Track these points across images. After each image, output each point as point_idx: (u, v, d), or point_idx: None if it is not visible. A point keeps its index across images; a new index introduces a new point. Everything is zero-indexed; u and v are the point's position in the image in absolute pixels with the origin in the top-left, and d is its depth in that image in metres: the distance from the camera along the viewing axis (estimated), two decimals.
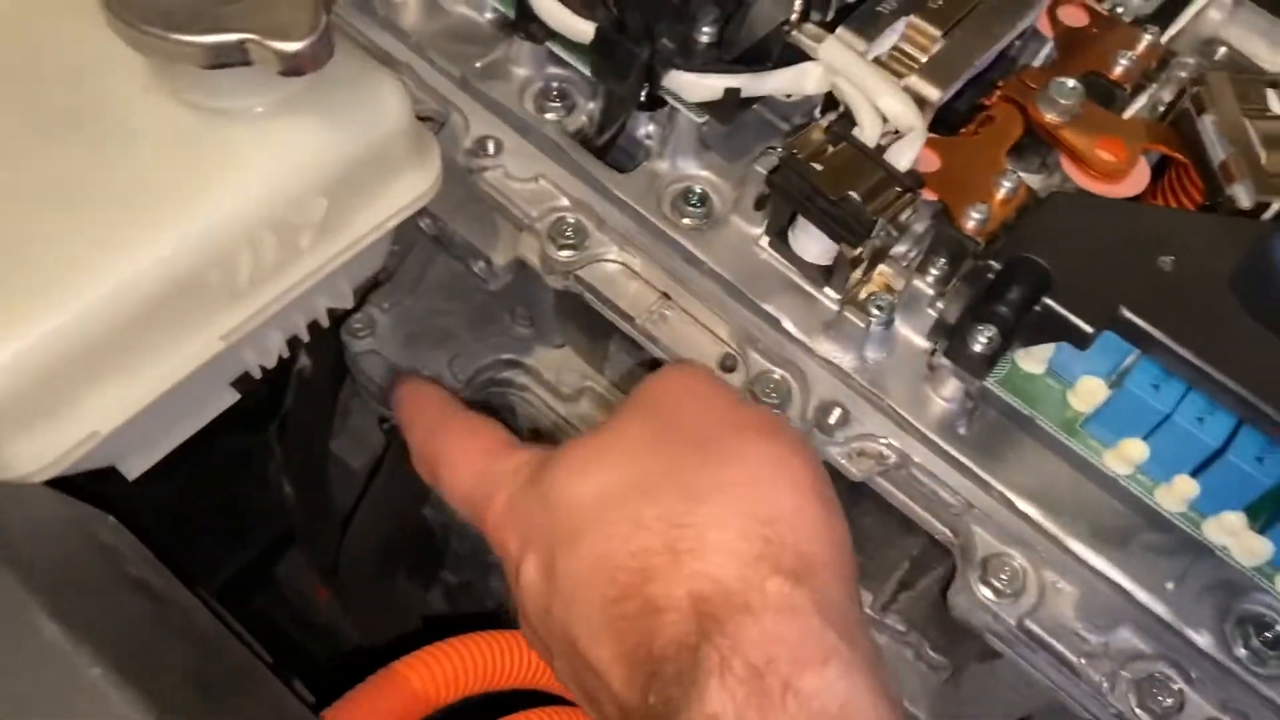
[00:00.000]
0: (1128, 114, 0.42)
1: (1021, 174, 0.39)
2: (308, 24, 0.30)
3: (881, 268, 0.39)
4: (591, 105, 0.43)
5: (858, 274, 0.39)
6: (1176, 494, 0.34)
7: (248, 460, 0.84)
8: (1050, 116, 0.40)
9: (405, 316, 0.55)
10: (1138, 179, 0.39)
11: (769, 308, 0.40)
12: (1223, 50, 0.45)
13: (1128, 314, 0.33)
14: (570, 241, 0.40)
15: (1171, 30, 0.46)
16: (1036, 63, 0.43)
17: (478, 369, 0.54)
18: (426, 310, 0.55)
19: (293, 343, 0.41)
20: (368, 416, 0.68)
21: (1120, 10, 0.46)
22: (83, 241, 0.31)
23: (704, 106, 0.38)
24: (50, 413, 0.31)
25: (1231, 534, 0.34)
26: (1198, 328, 0.32)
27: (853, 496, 0.40)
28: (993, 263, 0.34)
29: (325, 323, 0.41)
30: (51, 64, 0.35)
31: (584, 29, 0.37)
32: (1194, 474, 0.34)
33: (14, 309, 0.30)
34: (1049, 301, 0.33)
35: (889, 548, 0.45)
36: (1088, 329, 0.33)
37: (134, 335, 0.32)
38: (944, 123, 0.41)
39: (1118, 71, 0.42)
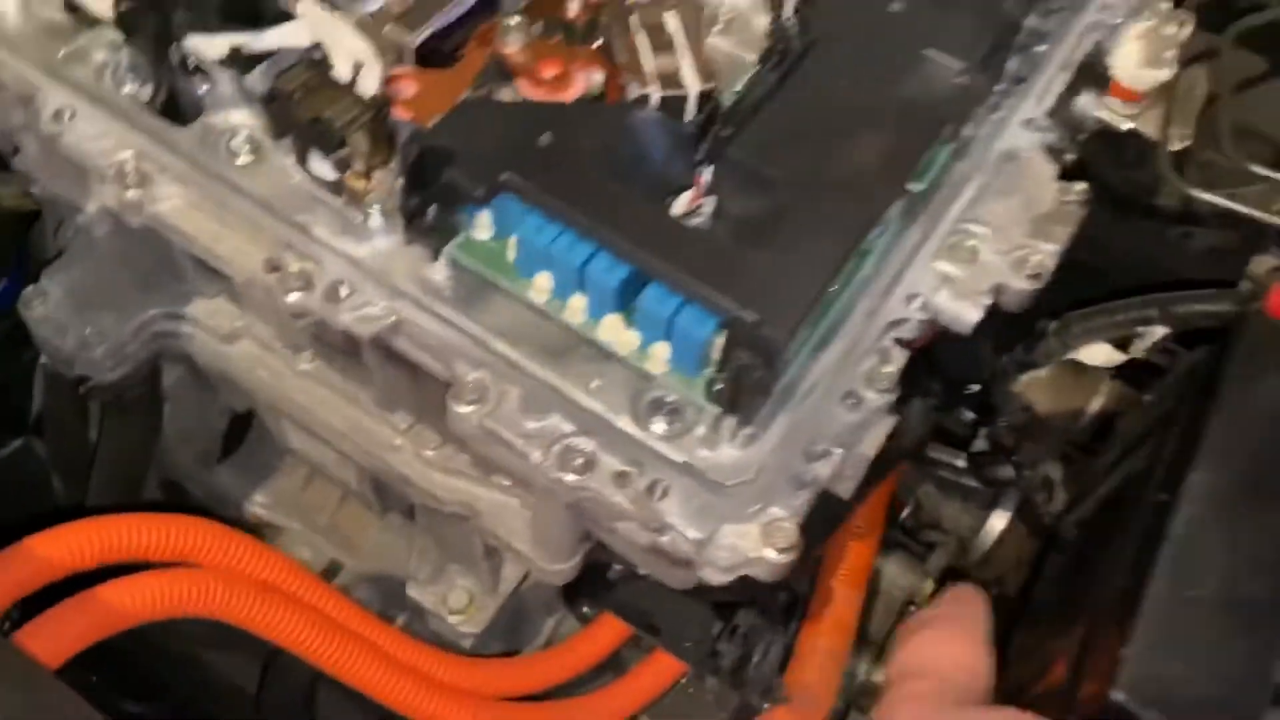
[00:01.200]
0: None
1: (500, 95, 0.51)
2: None
3: (378, 174, 0.50)
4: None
5: (359, 183, 0.49)
6: (574, 309, 0.45)
7: (15, 468, 0.91)
8: (507, 49, 0.51)
9: (75, 286, 0.64)
10: (575, 89, 0.51)
11: (299, 218, 0.50)
12: None
13: (507, 176, 0.44)
14: (134, 183, 0.50)
15: None
16: (510, 8, 0.55)
17: (141, 321, 0.64)
18: (96, 279, 0.65)
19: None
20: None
21: None
22: None
23: None
24: None
25: (613, 331, 0.45)
26: (561, 183, 0.44)
27: (387, 357, 0.51)
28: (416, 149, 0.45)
29: None
30: None
31: (103, 6, 0.48)
32: (582, 291, 0.45)
33: None
34: (450, 173, 0.44)
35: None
36: (478, 191, 0.44)
37: None
38: (435, 61, 0.52)
39: (571, 12, 0.54)
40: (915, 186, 0.51)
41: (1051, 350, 0.78)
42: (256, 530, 0.81)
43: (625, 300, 0.45)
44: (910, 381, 0.50)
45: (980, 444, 0.87)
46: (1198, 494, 0.45)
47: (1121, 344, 0.78)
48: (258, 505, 0.82)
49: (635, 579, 0.65)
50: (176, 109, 0.53)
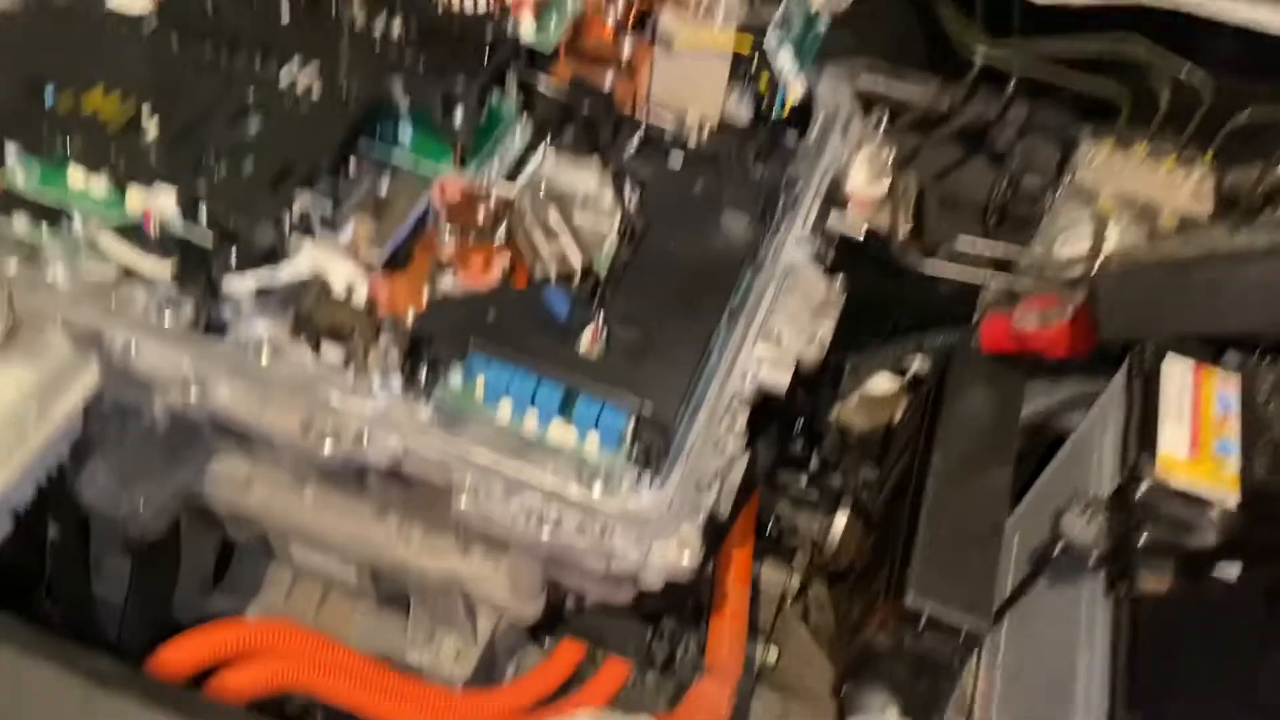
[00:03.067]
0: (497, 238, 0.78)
1: (441, 286, 0.74)
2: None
3: (373, 353, 0.72)
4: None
5: (362, 360, 0.71)
6: (529, 422, 0.69)
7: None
8: (444, 251, 0.75)
9: (117, 466, 0.83)
10: (495, 274, 0.74)
11: (319, 391, 0.72)
12: (544, 185, 0.82)
13: (475, 341, 0.67)
14: (197, 388, 0.71)
15: (519, 182, 0.82)
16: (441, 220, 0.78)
17: (177, 485, 0.83)
18: (132, 458, 0.83)
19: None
20: (115, 557, 0.94)
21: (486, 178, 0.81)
22: None
23: None
24: None
25: (559, 432, 0.68)
26: (508, 341, 0.67)
27: (388, 477, 0.73)
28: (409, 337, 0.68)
29: None
30: None
31: (162, 272, 0.69)
32: (533, 406, 0.68)
33: None
34: (435, 348, 0.67)
35: None
36: (455, 357, 0.67)
37: None
38: (395, 265, 0.75)
39: (480, 219, 0.77)
40: (734, 301, 0.77)
41: (851, 385, 1.05)
42: None
43: (563, 410, 0.68)
44: (754, 429, 0.75)
45: (814, 464, 1.14)
46: (936, 471, 0.72)
47: (898, 371, 1.06)
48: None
49: (583, 612, 0.88)
50: (210, 325, 0.74)
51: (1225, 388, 0.71)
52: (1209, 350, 0.75)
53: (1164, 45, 0.94)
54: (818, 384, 1.05)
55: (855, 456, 1.13)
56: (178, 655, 0.69)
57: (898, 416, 1.16)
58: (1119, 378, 0.76)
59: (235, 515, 0.87)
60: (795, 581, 1.16)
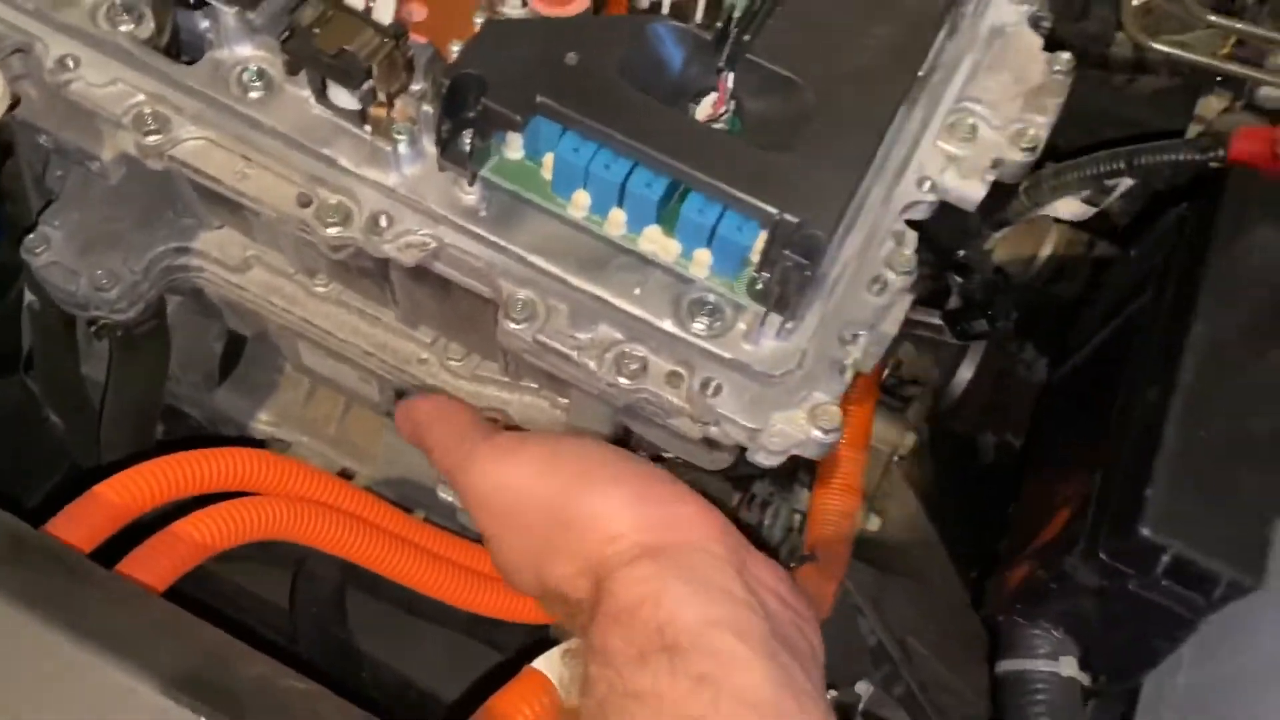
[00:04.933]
0: None
1: (504, 9, 0.51)
2: None
3: (400, 102, 0.50)
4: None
5: (382, 111, 0.50)
6: (614, 222, 0.47)
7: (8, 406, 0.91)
8: None
9: (77, 229, 0.64)
10: (580, 4, 0.51)
11: (325, 151, 0.51)
12: None
13: (541, 99, 0.45)
14: (154, 128, 0.50)
15: None
16: None
17: (150, 260, 0.64)
18: (97, 220, 0.64)
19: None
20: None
21: None
22: None
23: None
24: None
25: (654, 242, 0.47)
26: (593, 101, 0.45)
27: (416, 278, 0.53)
28: (449, 80, 0.46)
29: None
30: None
31: None
32: (621, 206, 0.47)
33: None
34: (486, 101, 0.45)
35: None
36: (516, 117, 0.45)
37: None
38: None
39: None
40: (919, 73, 0.53)
41: (1023, 207, 0.82)
42: (264, 446, 0.83)
43: (665, 211, 0.47)
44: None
45: (954, 301, 0.92)
46: (1201, 343, 0.50)
47: (1096, 195, 0.82)
48: (262, 422, 0.83)
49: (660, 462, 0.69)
50: (178, 47, 0.52)
51: None
52: None
53: None
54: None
55: (1006, 297, 0.91)
56: (119, 494, 0.52)
57: (1046, 250, 0.93)
58: None
59: (230, 305, 0.68)
60: (910, 440, 0.96)
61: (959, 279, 0.88)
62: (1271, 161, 0.66)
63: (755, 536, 0.74)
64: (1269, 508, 0.47)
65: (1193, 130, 0.83)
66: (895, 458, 0.97)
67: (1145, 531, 0.46)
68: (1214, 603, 0.46)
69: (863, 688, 0.84)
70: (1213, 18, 0.73)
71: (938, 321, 0.94)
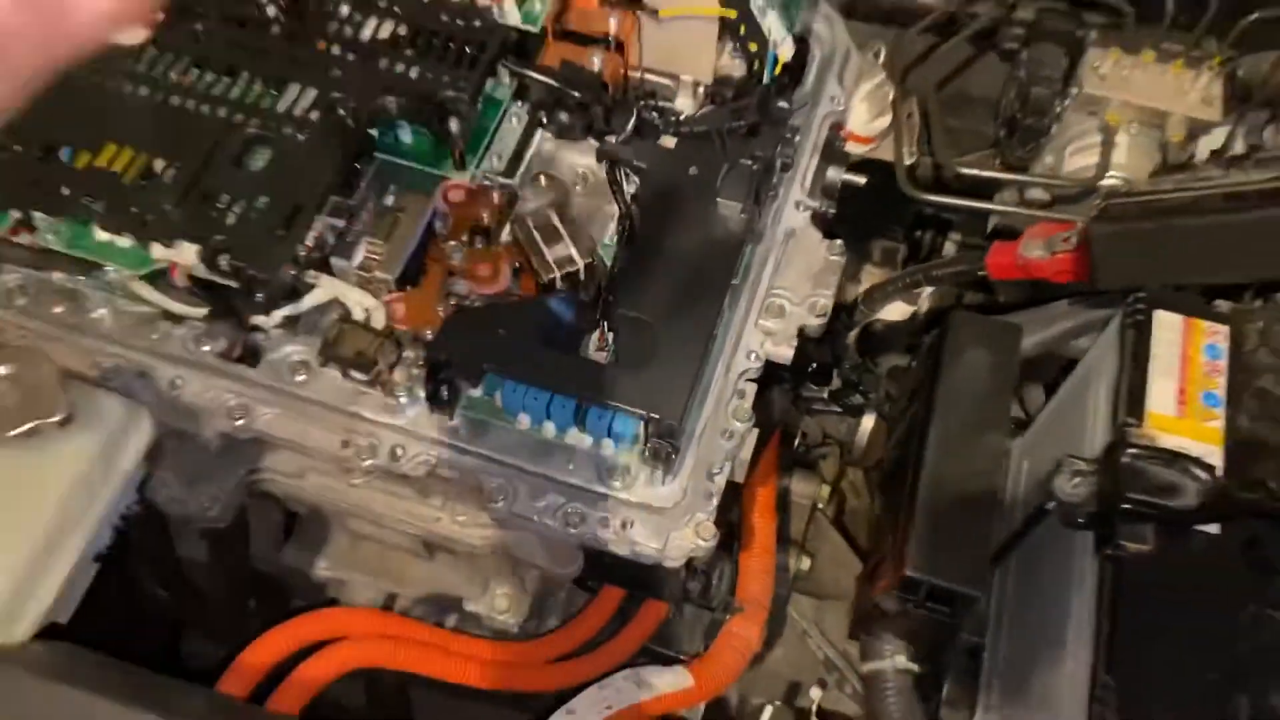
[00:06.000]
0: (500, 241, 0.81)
1: (458, 294, 0.78)
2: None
3: (397, 371, 0.77)
4: None
5: (386, 379, 0.76)
6: (546, 430, 0.74)
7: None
8: (452, 261, 0.78)
9: (181, 472, 0.90)
10: (503, 281, 0.78)
11: (352, 408, 0.77)
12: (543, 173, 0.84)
13: (486, 366, 0.71)
14: (239, 417, 0.76)
15: (519, 170, 0.84)
16: (445, 228, 0.81)
17: (238, 482, 0.90)
18: (194, 463, 0.90)
19: None
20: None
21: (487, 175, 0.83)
22: None
23: None
24: None
25: (575, 438, 0.73)
26: (519, 362, 0.72)
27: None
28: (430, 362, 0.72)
29: None
30: None
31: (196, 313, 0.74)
32: (549, 419, 0.73)
33: None
34: (452, 372, 0.71)
35: None
36: (472, 378, 0.71)
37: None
38: (410, 281, 0.78)
39: (484, 218, 0.80)
40: (735, 280, 0.80)
41: (864, 314, 1.08)
42: (327, 586, 1.09)
43: (578, 417, 0.73)
44: (768, 379, 0.79)
45: (835, 383, 1.18)
46: (936, 435, 0.76)
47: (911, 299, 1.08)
48: (322, 569, 1.10)
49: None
50: (244, 356, 0.79)
51: (1214, 338, 0.73)
52: (1202, 298, 0.76)
53: None
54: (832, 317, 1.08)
55: (874, 375, 1.17)
56: (255, 659, 0.78)
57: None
58: (1113, 326, 0.78)
59: (291, 499, 0.94)
60: (825, 491, 1.22)
61: (831, 368, 1.14)
62: (1015, 271, 0.93)
63: (705, 594, 1.00)
64: (981, 541, 0.73)
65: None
66: (816, 507, 1.23)
67: (910, 572, 0.71)
68: (958, 611, 0.72)
69: (815, 692, 1.09)
70: (962, 170, 1.00)
71: (826, 398, 1.20)
